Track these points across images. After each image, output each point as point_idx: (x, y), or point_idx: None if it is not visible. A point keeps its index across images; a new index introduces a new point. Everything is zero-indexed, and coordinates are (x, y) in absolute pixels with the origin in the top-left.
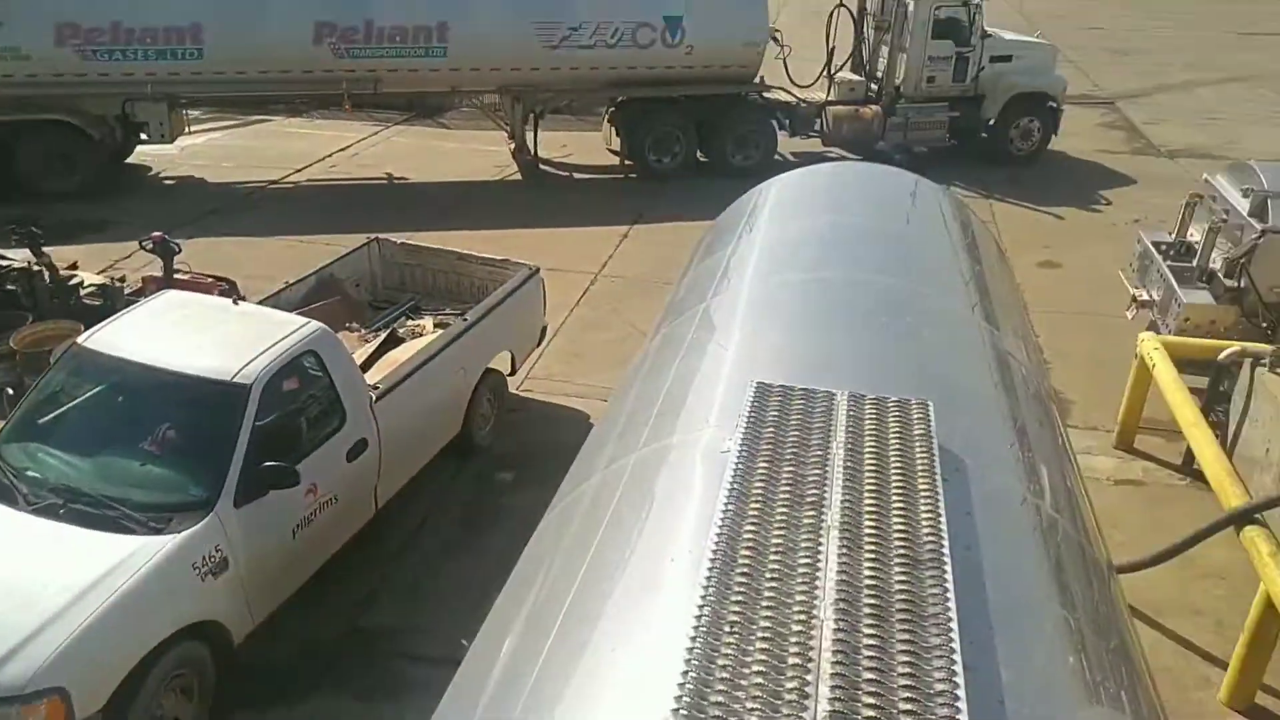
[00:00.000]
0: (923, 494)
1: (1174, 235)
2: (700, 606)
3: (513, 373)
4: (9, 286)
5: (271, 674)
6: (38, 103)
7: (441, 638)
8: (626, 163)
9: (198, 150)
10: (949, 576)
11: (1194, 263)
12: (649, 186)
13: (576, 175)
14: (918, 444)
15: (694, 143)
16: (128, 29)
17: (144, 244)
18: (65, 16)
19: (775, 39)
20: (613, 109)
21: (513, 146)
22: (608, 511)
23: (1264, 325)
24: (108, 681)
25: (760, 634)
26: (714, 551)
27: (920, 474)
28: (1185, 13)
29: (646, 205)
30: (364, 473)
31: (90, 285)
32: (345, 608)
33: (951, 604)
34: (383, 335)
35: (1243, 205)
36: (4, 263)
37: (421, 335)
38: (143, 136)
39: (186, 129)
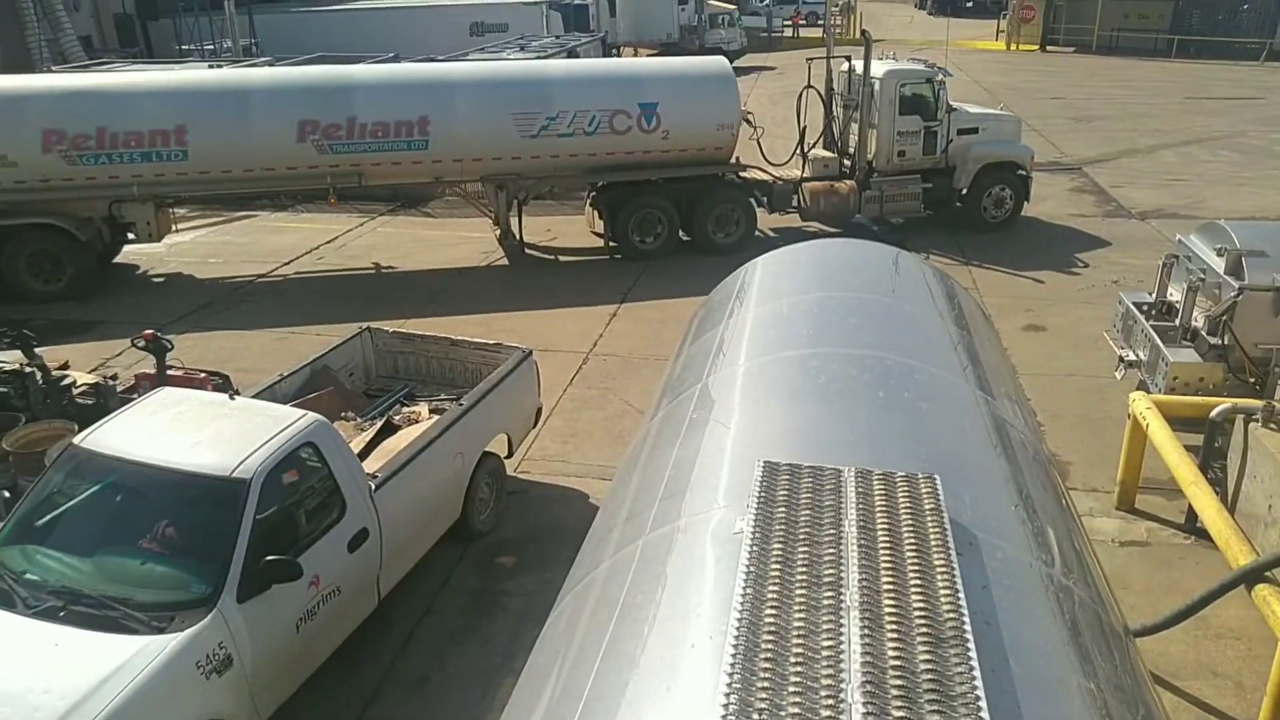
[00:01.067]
0: (939, 570)
1: (1154, 295)
2: (727, 694)
3: (510, 455)
4: (0, 388)
5: None
6: (25, 207)
7: None
8: (611, 244)
9: (185, 247)
10: (973, 654)
11: (1176, 322)
12: (634, 266)
13: (562, 258)
14: (929, 519)
15: (676, 222)
16: (113, 134)
17: (136, 341)
18: (51, 123)
19: (748, 120)
20: (594, 193)
21: (498, 233)
22: (620, 598)
23: (1252, 380)
24: None
25: None
26: (735, 637)
27: (935, 549)
28: (1136, 81)
29: (633, 284)
30: (366, 563)
31: (83, 385)
32: (353, 701)
33: (979, 682)
34: (379, 424)
35: (1218, 264)
36: None
37: (417, 422)
38: (130, 236)
39: (173, 227)
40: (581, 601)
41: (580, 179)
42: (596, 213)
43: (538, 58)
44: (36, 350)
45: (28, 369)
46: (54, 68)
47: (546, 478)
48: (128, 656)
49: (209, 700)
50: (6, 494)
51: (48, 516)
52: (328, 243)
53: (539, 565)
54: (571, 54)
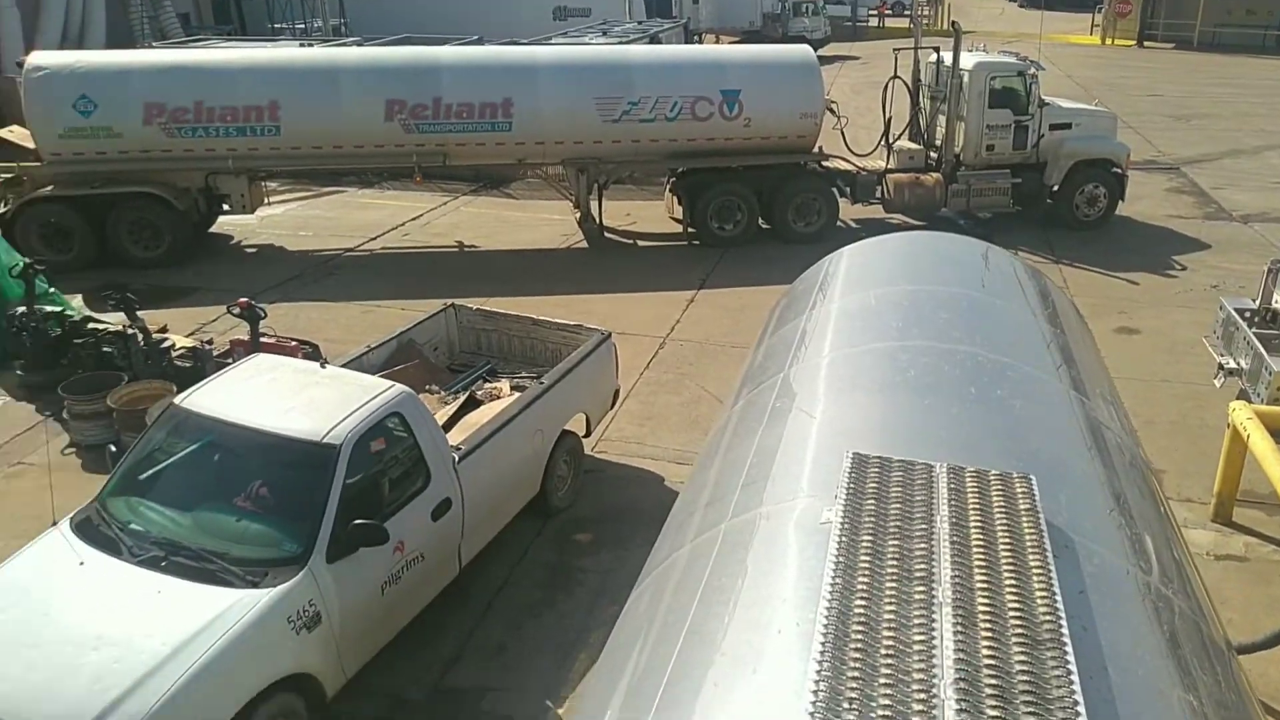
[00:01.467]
0: (1035, 571)
1: (1258, 301)
2: (816, 682)
3: (587, 435)
4: (106, 349)
5: None
6: (128, 177)
7: (528, 699)
8: (689, 230)
9: (276, 220)
10: (1071, 658)
11: None
12: (712, 253)
13: (641, 243)
14: (1024, 519)
15: (755, 210)
16: (209, 108)
17: (231, 309)
18: (152, 97)
19: (831, 110)
20: (674, 178)
21: (578, 215)
22: (702, 581)
23: None
24: None
25: (880, 713)
26: (824, 626)
27: (1030, 550)
28: (1241, 79)
29: (711, 271)
30: (448, 531)
31: (181, 348)
32: (433, 665)
33: (1077, 687)
34: (462, 398)
35: None
36: (101, 326)
37: (499, 398)
38: (225, 207)
39: (266, 200)
40: (662, 583)
41: (660, 164)
42: (676, 198)
43: (620, 43)
44: (138, 313)
45: (130, 331)
46: (154, 43)
47: (622, 459)
48: (224, 607)
49: (298, 654)
50: (113, 447)
51: (150, 471)
52: (413, 220)
53: (614, 544)
54: (653, 40)
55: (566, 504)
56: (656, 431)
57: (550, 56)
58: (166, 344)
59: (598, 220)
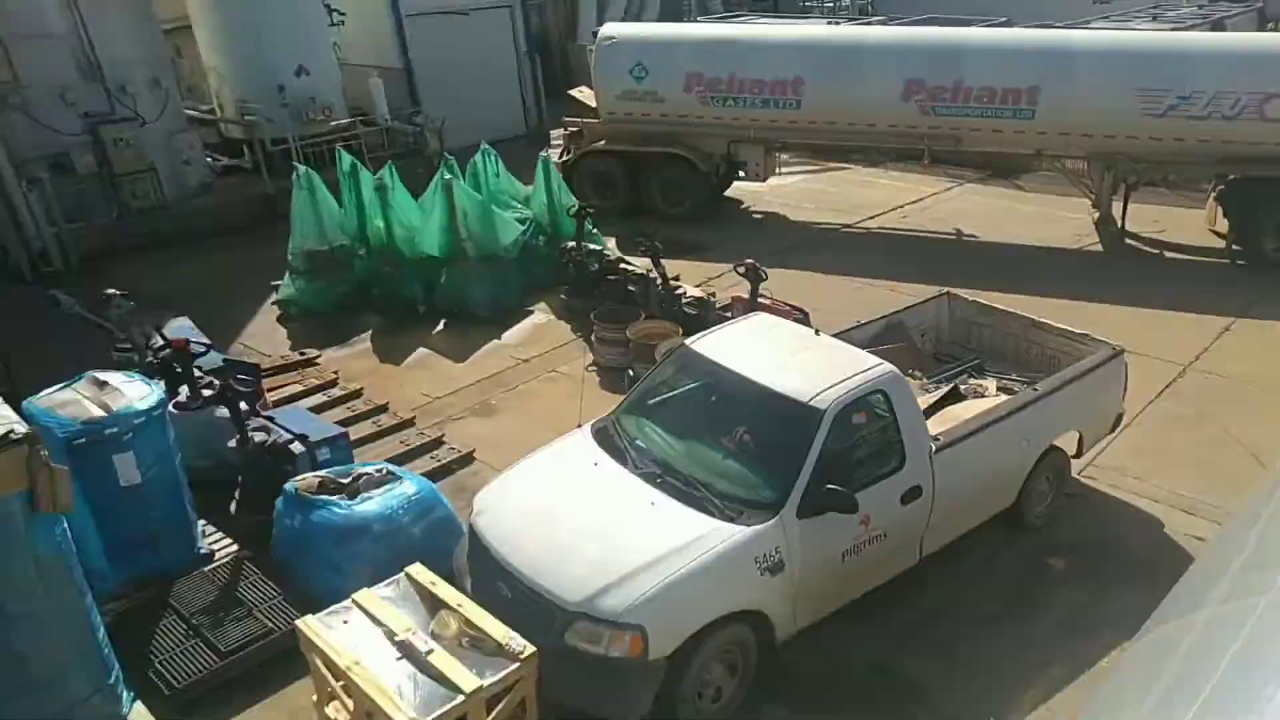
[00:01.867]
0: None
1: None
2: None
3: (1078, 456)
4: (630, 288)
5: (802, 683)
6: (663, 139)
7: (971, 707)
8: (1233, 248)
9: (783, 190)
10: None
11: None
12: (1262, 278)
13: (1168, 254)
14: None
15: None
16: (740, 80)
17: (737, 268)
18: (693, 67)
19: None
20: (1221, 186)
21: (1096, 216)
22: (1230, 648)
23: None
24: (677, 634)
25: None
26: None
27: None
28: None
29: (1258, 299)
30: (914, 519)
31: (690, 296)
32: (878, 645)
33: None
34: (944, 389)
35: None
36: (628, 267)
37: (984, 396)
38: (740, 174)
39: (776, 170)
40: (1174, 641)
41: (1206, 168)
42: (1220, 209)
43: (1174, 29)
44: (661, 261)
45: (651, 275)
46: (699, 18)
47: (1114, 491)
48: (705, 532)
49: (759, 593)
50: (631, 372)
51: (656, 399)
52: (912, 203)
53: (1089, 579)
54: (1217, 26)
55: (1042, 524)
56: (1161, 469)
57: (1087, 41)
58: (679, 291)
59: (1119, 223)
